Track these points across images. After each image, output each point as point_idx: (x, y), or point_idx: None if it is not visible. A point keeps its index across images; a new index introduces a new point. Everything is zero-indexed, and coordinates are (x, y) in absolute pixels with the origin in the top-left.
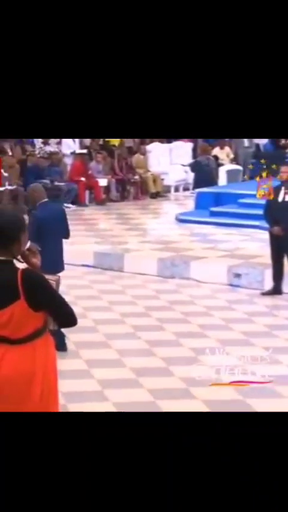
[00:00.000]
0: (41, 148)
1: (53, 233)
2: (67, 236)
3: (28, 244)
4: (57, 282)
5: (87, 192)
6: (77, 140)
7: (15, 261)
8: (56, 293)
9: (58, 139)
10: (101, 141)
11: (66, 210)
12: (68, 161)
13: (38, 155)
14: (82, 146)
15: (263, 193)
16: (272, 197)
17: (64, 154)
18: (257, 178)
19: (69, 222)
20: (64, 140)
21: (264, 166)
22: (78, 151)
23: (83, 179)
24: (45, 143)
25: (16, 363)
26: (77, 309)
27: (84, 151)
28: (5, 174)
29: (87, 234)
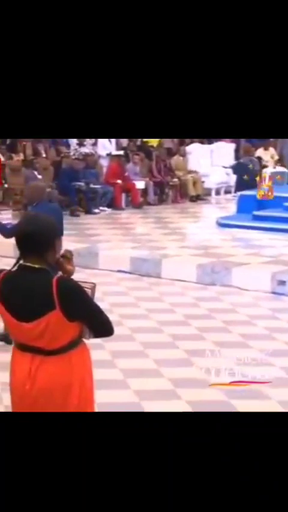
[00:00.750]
0: (75, 149)
1: None
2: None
3: (62, 250)
4: (93, 289)
5: (123, 195)
6: (113, 141)
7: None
8: (92, 302)
9: (94, 140)
10: (138, 142)
11: (102, 213)
12: (104, 163)
13: (73, 157)
14: (119, 148)
15: (262, 193)
16: (272, 197)
17: (100, 155)
18: (257, 178)
19: (105, 226)
20: (100, 141)
21: None
22: (115, 152)
23: (119, 181)
24: (80, 145)
25: (52, 374)
26: (112, 317)
27: (121, 152)
28: (39, 176)
29: (124, 239)
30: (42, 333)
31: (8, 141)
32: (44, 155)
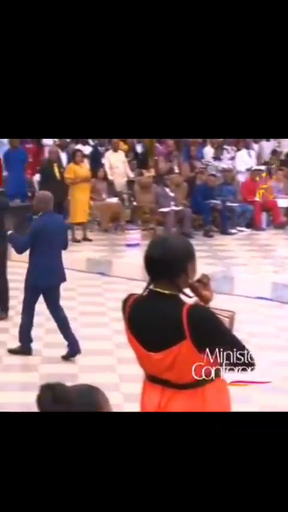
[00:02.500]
0: (208, 161)
1: (49, 244)
2: (65, 247)
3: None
4: (232, 318)
5: (264, 214)
6: (253, 155)
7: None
8: (228, 332)
9: (232, 154)
10: (282, 156)
11: (240, 234)
12: (243, 178)
13: (208, 173)
14: (259, 162)
15: (262, 193)
16: (271, 197)
17: (238, 170)
18: (257, 178)
19: (242, 248)
20: (239, 155)
21: None
22: (255, 167)
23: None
24: (217, 159)
25: (183, 411)
26: (249, 348)
27: (263, 167)
28: (171, 194)
29: (264, 262)
30: (171, 365)
31: (140, 156)
32: (176, 170)
